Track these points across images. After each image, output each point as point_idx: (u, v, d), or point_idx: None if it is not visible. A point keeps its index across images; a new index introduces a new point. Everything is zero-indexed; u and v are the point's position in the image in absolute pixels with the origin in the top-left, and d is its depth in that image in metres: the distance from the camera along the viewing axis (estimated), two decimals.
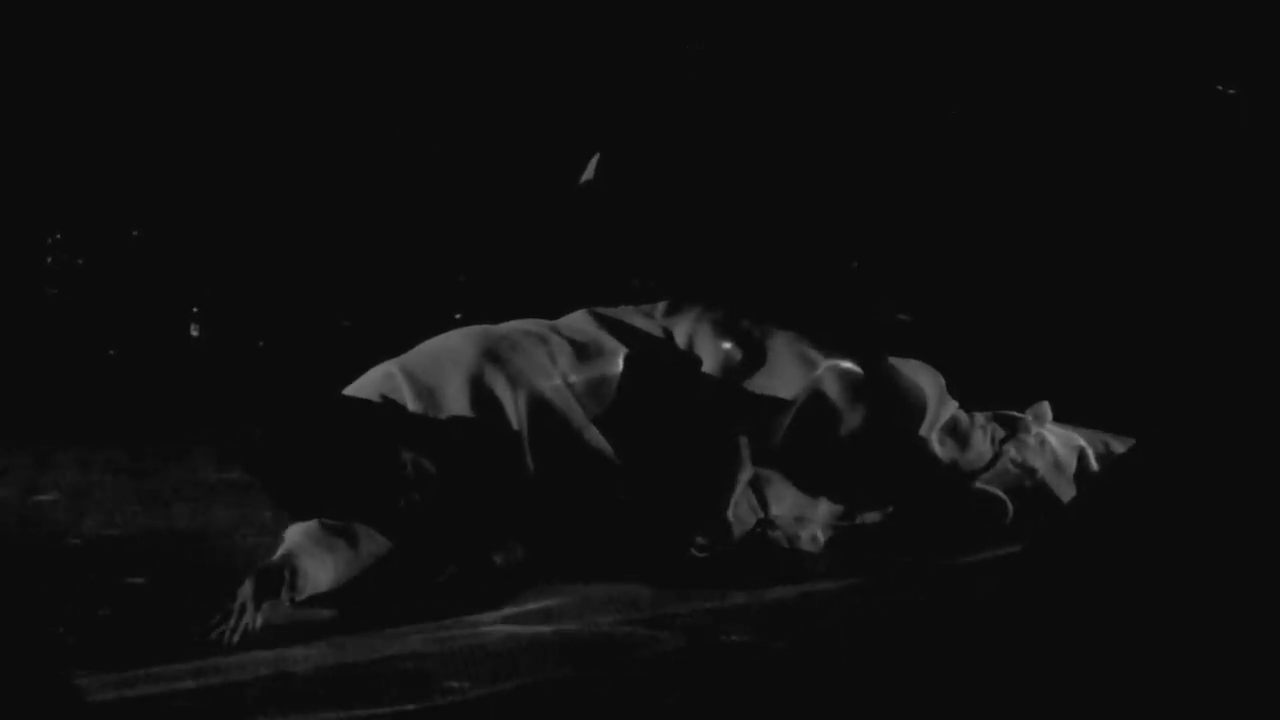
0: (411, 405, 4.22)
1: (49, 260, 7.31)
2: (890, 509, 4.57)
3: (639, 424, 4.36)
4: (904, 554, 4.44)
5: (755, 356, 4.53)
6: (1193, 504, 3.60)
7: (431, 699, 3.55)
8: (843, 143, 6.92)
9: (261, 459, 4.08)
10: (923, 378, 4.65)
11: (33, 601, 4.19)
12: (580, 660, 3.78)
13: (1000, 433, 4.72)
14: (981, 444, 4.68)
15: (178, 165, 7.23)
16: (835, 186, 6.93)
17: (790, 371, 4.52)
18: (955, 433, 4.66)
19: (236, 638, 3.87)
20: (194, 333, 7.29)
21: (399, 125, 7.20)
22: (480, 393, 4.26)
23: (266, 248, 7.29)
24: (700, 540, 4.39)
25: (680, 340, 4.53)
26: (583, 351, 4.40)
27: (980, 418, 4.73)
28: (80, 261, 7.32)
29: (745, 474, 4.43)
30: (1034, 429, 4.74)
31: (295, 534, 4.12)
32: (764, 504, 4.47)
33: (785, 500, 4.49)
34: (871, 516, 4.56)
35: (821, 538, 4.50)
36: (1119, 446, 4.74)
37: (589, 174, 6.85)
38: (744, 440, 4.44)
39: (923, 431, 4.60)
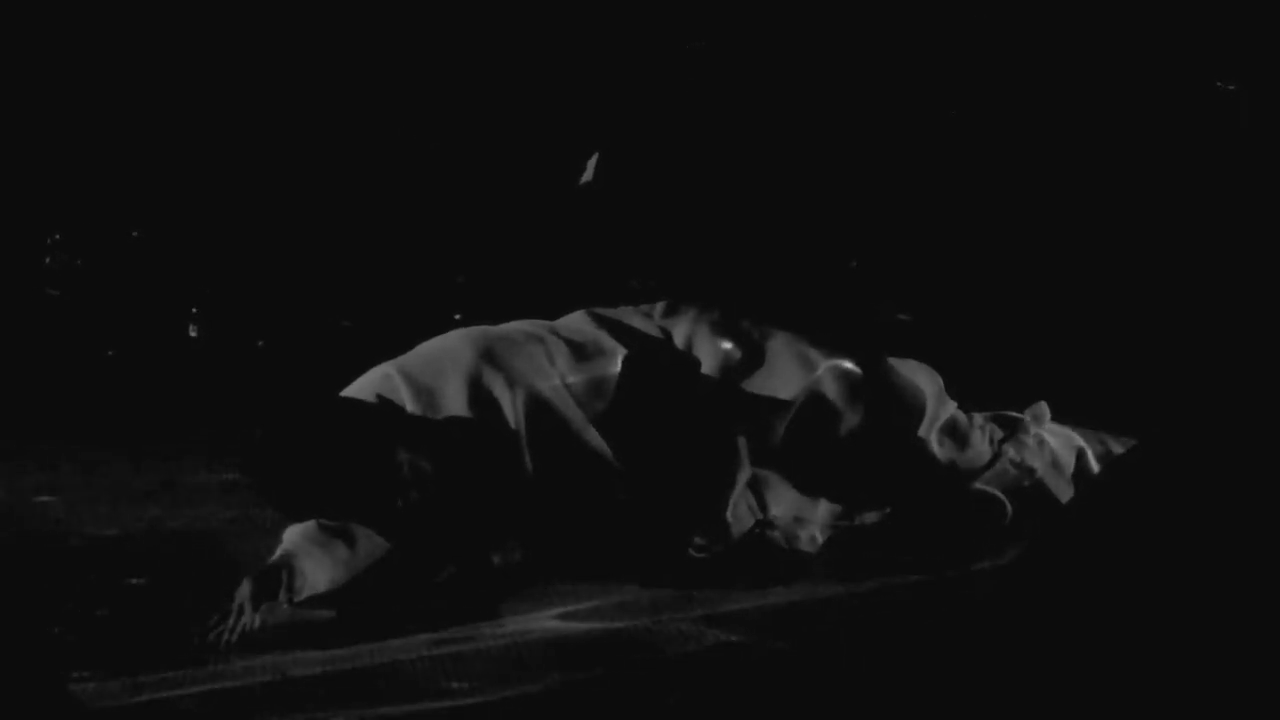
0: (410, 406, 4.22)
1: (49, 260, 7.31)
2: (889, 509, 4.57)
3: (638, 424, 4.35)
4: (903, 554, 4.44)
5: (754, 357, 4.53)
6: (1192, 504, 3.60)
7: (431, 700, 3.55)
8: (842, 143, 6.92)
9: (260, 460, 4.08)
10: (921, 378, 4.65)
11: (32, 602, 4.19)
12: (580, 660, 3.78)
13: (999, 433, 4.72)
14: (980, 444, 4.67)
15: (177, 165, 7.23)
16: (835, 186, 6.93)
17: (789, 372, 4.52)
18: (954, 433, 4.65)
19: (235, 638, 3.87)
20: (193, 333, 7.28)
21: (398, 126, 7.20)
22: (479, 393, 4.26)
23: (266, 248, 7.29)
24: (699, 541, 4.38)
25: (679, 341, 4.52)
26: (581, 352, 4.39)
27: (979, 418, 4.72)
28: (80, 261, 7.32)
29: (744, 474, 4.43)
30: (1033, 429, 4.74)
31: (293, 535, 4.12)
32: (763, 504, 4.46)
33: (784, 501, 4.49)
34: (870, 517, 4.56)
35: (820, 538, 4.50)
36: (1118, 446, 4.73)
37: (588, 174, 6.85)
38: (743, 440, 4.44)
39: (921, 432, 4.59)
